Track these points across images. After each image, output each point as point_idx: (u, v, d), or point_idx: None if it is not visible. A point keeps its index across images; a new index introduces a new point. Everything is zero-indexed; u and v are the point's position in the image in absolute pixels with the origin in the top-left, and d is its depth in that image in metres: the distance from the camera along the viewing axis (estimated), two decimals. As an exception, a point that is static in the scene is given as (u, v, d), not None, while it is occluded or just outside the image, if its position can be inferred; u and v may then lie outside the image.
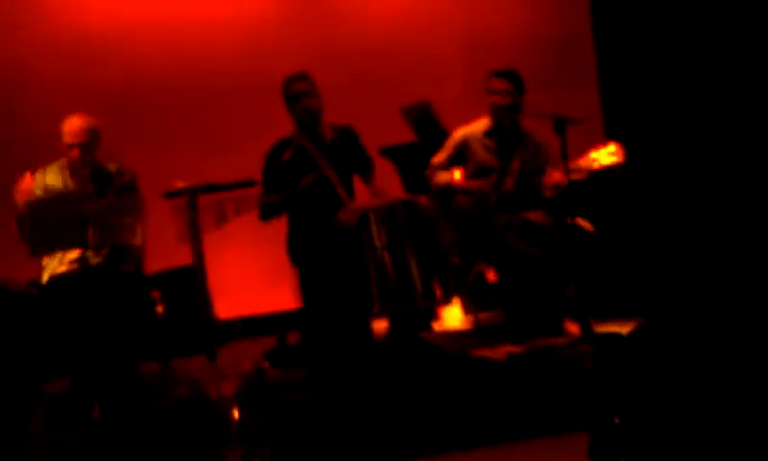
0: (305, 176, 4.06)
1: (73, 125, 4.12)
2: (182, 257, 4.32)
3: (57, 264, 4.04)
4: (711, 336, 2.84)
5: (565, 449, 2.93)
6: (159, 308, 3.94)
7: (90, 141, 4.14)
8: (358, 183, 4.34)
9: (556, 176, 4.14)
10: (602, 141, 4.25)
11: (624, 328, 3.72)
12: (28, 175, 3.99)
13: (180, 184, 4.35)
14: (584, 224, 4.17)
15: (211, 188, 4.42)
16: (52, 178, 4.16)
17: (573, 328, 4.05)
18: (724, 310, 3.08)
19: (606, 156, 4.06)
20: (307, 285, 4.00)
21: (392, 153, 5.15)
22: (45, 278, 4.00)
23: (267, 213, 4.17)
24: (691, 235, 4.92)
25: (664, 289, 4.33)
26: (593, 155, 4.09)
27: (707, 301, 3.48)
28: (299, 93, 4.15)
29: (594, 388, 3.10)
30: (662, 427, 2.39)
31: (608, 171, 4.08)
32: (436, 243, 4.01)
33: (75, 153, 4.12)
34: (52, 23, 5.45)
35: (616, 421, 2.45)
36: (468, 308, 4.59)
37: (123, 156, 4.45)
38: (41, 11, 5.45)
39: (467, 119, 4.53)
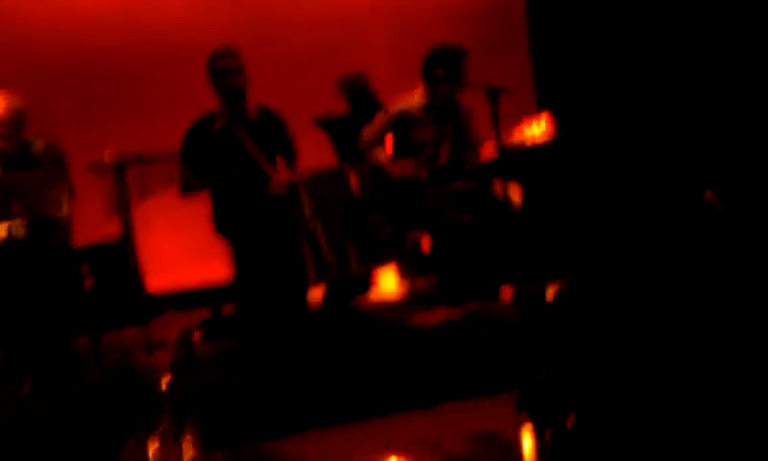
0: (230, 155, 4.00)
1: (2, 101, 4.04)
2: (111, 231, 4.23)
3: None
4: (627, 295, 2.92)
5: (498, 407, 2.97)
6: (88, 282, 3.86)
7: (12, 121, 4.08)
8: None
9: (487, 150, 4.19)
10: (534, 111, 4.29)
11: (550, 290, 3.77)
12: None
13: (108, 156, 4.26)
14: (513, 191, 4.21)
15: (139, 159, 4.34)
16: None
17: (507, 291, 4.10)
18: (639, 273, 3.17)
19: (539, 133, 4.10)
20: (239, 258, 3.95)
21: (326, 123, 5.12)
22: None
23: (187, 189, 4.08)
24: (614, 204, 5.01)
25: (587, 253, 4.41)
26: (525, 129, 4.12)
27: (624, 263, 3.58)
28: (224, 69, 4.06)
29: (522, 346, 3.16)
30: (585, 381, 2.45)
31: (539, 146, 4.13)
32: (367, 211, 4.02)
33: (5, 122, 4.03)
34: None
35: (542, 376, 2.50)
36: (403, 275, 4.61)
37: (52, 126, 4.36)
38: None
39: (398, 90, 4.52)
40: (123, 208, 4.19)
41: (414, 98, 4.45)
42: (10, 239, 3.84)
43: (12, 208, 3.84)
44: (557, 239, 4.43)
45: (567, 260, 4.13)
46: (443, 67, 4.31)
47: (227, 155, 4.04)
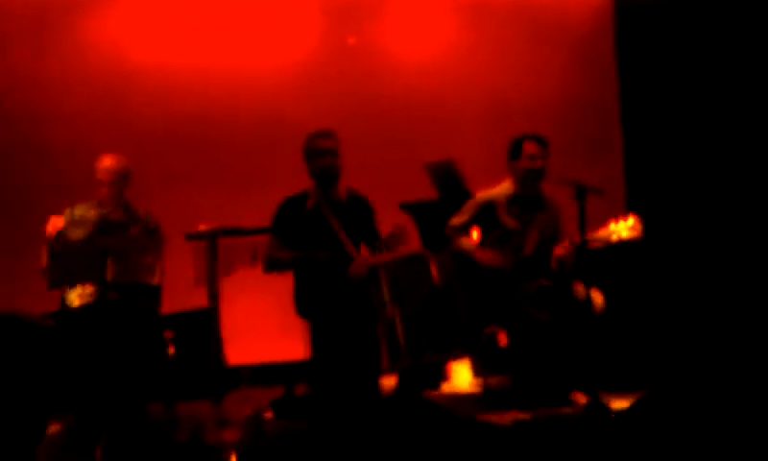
0: (317, 235, 4.09)
1: (106, 164, 4.32)
2: (198, 300, 4.36)
3: (75, 297, 4.14)
4: (710, 414, 2.81)
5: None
6: (171, 349, 3.97)
7: (121, 181, 4.33)
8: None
9: (560, 250, 4.16)
10: (623, 212, 4.25)
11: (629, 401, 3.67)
12: (53, 218, 4.17)
13: (203, 227, 4.44)
14: (595, 295, 4.15)
15: (232, 232, 4.49)
16: (80, 214, 4.29)
17: (581, 399, 4.02)
18: (725, 391, 3.05)
19: (625, 229, 4.05)
20: (317, 338, 4.01)
21: (412, 208, 5.18)
22: (63, 309, 4.10)
23: (273, 267, 4.17)
24: (702, 314, 4.87)
25: (670, 365, 4.28)
26: (612, 227, 4.08)
27: (710, 381, 3.44)
28: (322, 150, 4.18)
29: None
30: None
31: (625, 245, 4.07)
32: (447, 300, 4.01)
33: (105, 190, 4.28)
34: (87, 58, 5.60)
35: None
36: (477, 371, 4.57)
37: (149, 195, 4.57)
38: (76, 45, 5.59)
39: (486, 180, 4.57)
40: (211, 279, 4.35)
41: (501, 188, 4.48)
42: (101, 299, 4.02)
43: (107, 271, 4.02)
44: (636, 347, 4.33)
45: (646, 371, 4.02)
46: (526, 151, 4.34)
47: (315, 235, 4.13)
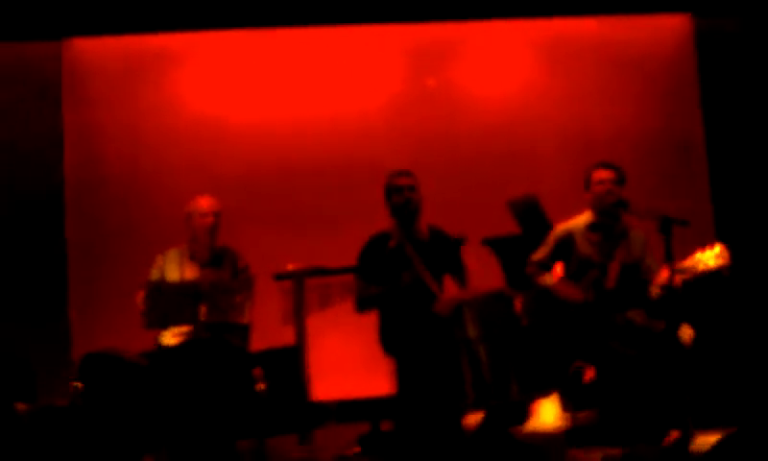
0: (402, 271, 4.15)
1: (203, 203, 4.48)
2: (284, 337, 4.46)
3: (169, 336, 4.30)
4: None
5: None
6: (261, 386, 4.07)
7: (215, 221, 4.46)
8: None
9: (664, 275, 4.07)
10: (710, 243, 4.16)
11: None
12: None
13: (291, 267, 4.56)
14: (685, 331, 4.06)
15: (319, 272, 4.60)
16: (171, 261, 4.47)
17: (672, 436, 3.93)
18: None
19: (712, 258, 3.96)
20: (402, 375, 4.06)
21: (495, 244, 5.17)
22: (158, 348, 4.26)
23: (365, 305, 4.29)
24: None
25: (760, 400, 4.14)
26: (698, 256, 4.00)
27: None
28: (401, 186, 4.31)
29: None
30: None
31: (713, 274, 3.98)
32: (532, 338, 4.00)
33: (201, 230, 4.41)
34: (180, 111, 5.88)
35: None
36: (564, 406, 4.51)
37: (240, 238, 4.73)
38: (169, 98, 5.89)
39: (566, 214, 4.55)
40: (299, 317, 4.46)
41: (580, 219, 4.45)
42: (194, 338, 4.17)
43: (200, 311, 4.18)
44: (727, 382, 4.19)
45: (740, 406, 3.90)
46: (594, 177, 4.33)
47: (399, 272, 4.20)
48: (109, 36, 5.81)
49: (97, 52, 5.86)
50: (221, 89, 5.92)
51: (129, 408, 3.83)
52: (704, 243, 4.11)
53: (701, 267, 3.97)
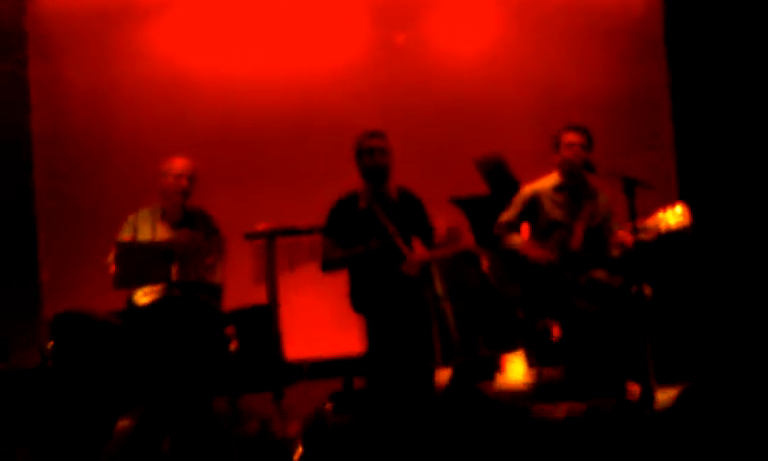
0: (372, 233, 4.19)
1: (179, 165, 4.40)
2: (255, 296, 4.49)
3: (141, 295, 4.31)
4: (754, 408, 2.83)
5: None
6: (233, 345, 4.11)
7: (190, 180, 4.42)
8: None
9: (622, 235, 4.18)
10: (672, 202, 4.25)
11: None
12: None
13: (261, 227, 4.57)
14: (645, 288, 4.17)
15: (290, 232, 4.63)
16: (143, 221, 4.44)
17: (634, 389, 4.06)
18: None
19: (673, 218, 4.06)
20: (371, 334, 4.11)
21: (463, 203, 5.23)
22: (129, 307, 4.27)
23: (330, 266, 4.28)
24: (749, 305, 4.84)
25: (714, 355, 4.28)
26: (660, 216, 4.09)
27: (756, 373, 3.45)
28: (372, 148, 4.29)
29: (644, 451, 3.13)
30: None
31: (674, 233, 4.08)
32: (499, 296, 4.07)
33: (175, 191, 4.39)
34: (148, 65, 5.80)
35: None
36: (531, 363, 4.63)
37: (210, 197, 4.71)
38: (137, 52, 5.80)
39: (538, 173, 4.61)
40: (270, 276, 4.49)
41: (547, 180, 4.53)
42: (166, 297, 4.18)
43: (172, 271, 4.18)
44: (685, 337, 4.33)
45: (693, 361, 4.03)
46: (564, 140, 4.40)
47: (367, 234, 4.22)
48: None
49: (63, 6, 5.74)
50: (190, 45, 5.84)
51: (101, 368, 3.83)
52: (666, 202, 4.20)
53: (662, 227, 4.06)
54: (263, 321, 4.33)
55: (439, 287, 3.96)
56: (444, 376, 4.07)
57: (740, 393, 3.26)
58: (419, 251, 4.17)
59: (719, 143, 5.76)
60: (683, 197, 5.57)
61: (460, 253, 4.15)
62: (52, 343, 3.91)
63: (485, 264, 4.33)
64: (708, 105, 5.84)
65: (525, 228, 4.58)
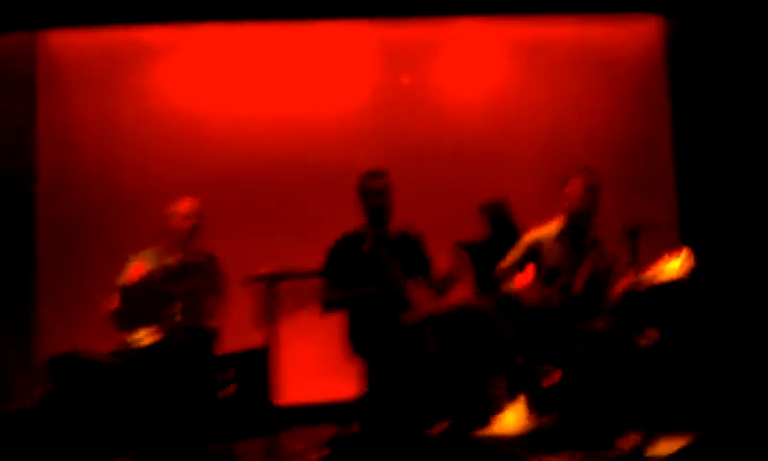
0: (376, 274, 4.17)
1: (186, 206, 4.46)
2: (256, 339, 4.46)
3: (141, 337, 4.30)
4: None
5: None
6: (231, 388, 4.09)
7: (199, 223, 4.44)
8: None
9: (624, 282, 4.15)
10: (676, 248, 4.22)
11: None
12: (137, 264, 4.33)
13: (263, 270, 4.57)
14: (650, 334, 4.13)
15: (290, 276, 4.61)
16: (147, 262, 4.42)
17: (633, 439, 4.00)
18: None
19: (675, 267, 4.02)
20: (369, 376, 4.09)
21: (467, 247, 5.24)
22: (128, 348, 4.26)
23: (330, 307, 4.28)
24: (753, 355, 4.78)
25: (721, 406, 4.21)
26: (662, 266, 4.06)
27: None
28: (374, 190, 4.31)
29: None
30: None
31: (675, 283, 4.04)
32: (498, 345, 4.06)
33: (181, 233, 4.40)
34: (156, 105, 5.86)
35: None
36: (529, 410, 4.58)
37: (213, 239, 4.71)
38: (145, 91, 5.86)
39: (541, 219, 4.60)
40: (270, 320, 4.47)
41: (551, 226, 4.52)
42: (165, 340, 4.18)
43: (173, 314, 4.19)
44: (687, 387, 4.27)
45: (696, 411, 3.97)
46: (568, 190, 4.39)
47: (370, 276, 4.22)
48: (85, 28, 5.78)
49: (72, 46, 5.84)
50: (197, 85, 5.91)
51: (97, 411, 3.83)
52: (668, 244, 4.17)
53: (663, 277, 4.04)
54: (256, 365, 4.29)
55: (438, 341, 3.95)
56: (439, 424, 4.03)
57: (743, 445, 3.19)
58: (418, 302, 4.16)
59: (720, 185, 5.73)
60: (685, 240, 5.56)
61: (460, 307, 4.14)
62: (48, 384, 3.91)
63: (486, 310, 4.32)
64: (709, 148, 5.84)
65: (530, 269, 4.56)
